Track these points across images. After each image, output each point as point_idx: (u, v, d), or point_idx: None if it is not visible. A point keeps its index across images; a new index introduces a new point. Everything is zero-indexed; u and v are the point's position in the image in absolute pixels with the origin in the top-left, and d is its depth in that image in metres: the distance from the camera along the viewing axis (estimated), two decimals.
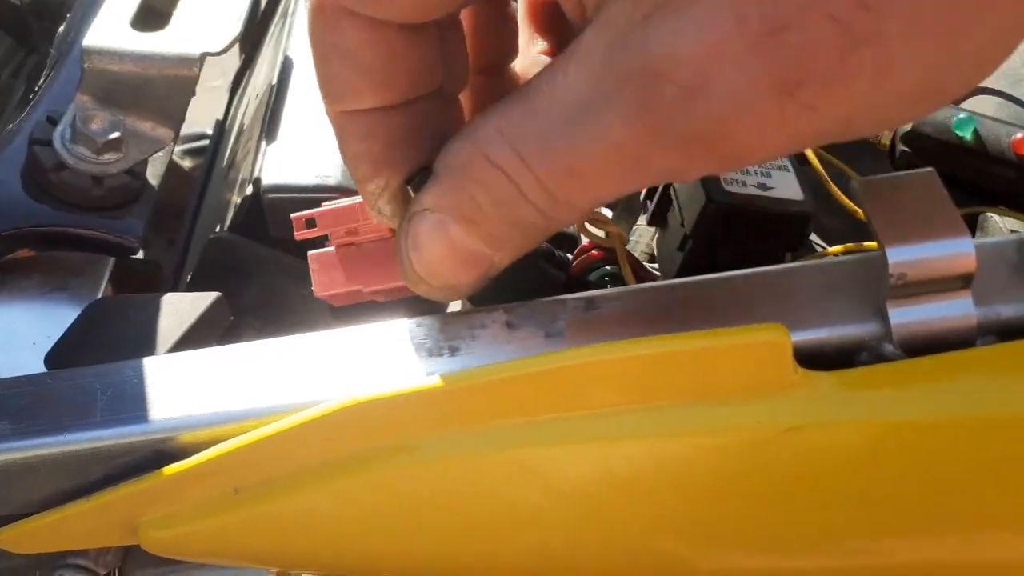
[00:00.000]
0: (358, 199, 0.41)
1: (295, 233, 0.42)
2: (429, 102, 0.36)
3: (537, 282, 0.44)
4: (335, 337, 0.41)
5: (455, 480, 0.39)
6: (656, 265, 0.52)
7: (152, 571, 0.47)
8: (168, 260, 0.68)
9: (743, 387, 0.35)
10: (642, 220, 0.56)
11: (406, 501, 0.40)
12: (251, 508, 0.40)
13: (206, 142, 0.78)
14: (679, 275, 0.48)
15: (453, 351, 0.39)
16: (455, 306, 0.52)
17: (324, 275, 0.42)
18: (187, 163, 0.80)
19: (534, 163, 0.33)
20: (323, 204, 0.43)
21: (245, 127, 0.63)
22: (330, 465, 0.39)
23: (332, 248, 0.42)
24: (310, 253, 0.41)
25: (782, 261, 0.46)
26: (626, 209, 0.58)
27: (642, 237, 0.56)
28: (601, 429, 0.37)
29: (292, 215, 0.42)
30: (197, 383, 0.41)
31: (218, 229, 0.55)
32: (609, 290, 0.40)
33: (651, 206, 0.51)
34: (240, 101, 0.72)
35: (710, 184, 0.45)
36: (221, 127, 0.75)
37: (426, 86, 0.35)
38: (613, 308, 0.39)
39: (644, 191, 0.51)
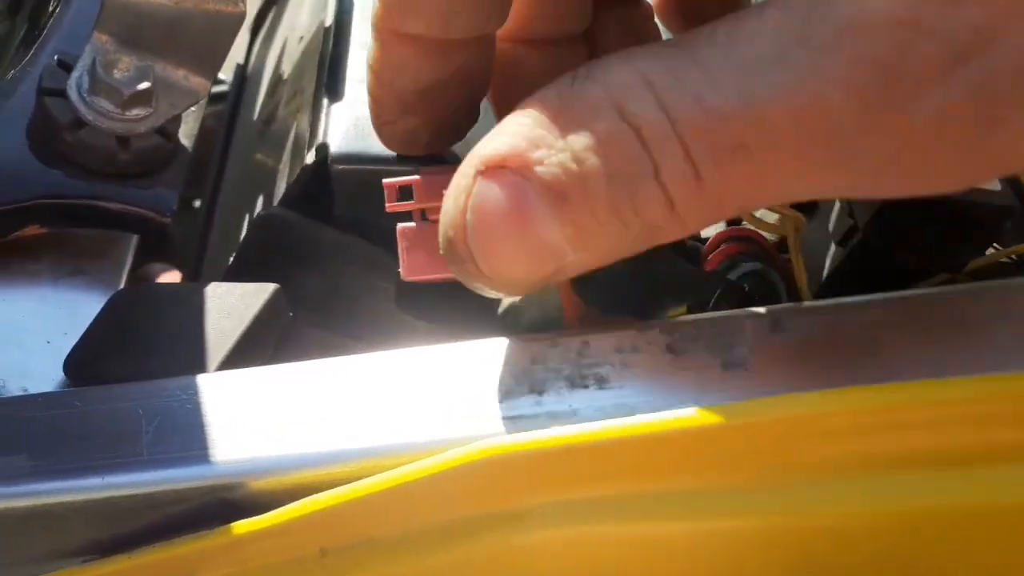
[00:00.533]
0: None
1: (386, 204, 0.33)
2: (482, 49, 0.33)
3: (661, 276, 0.35)
4: (440, 354, 0.33)
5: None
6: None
7: None
8: (185, 231, 0.59)
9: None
10: None
11: None
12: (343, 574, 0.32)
13: (224, 88, 0.68)
14: (834, 277, 0.40)
15: (600, 383, 0.31)
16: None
17: (416, 255, 0.33)
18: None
19: (687, 127, 0.24)
20: (421, 170, 0.34)
21: (285, 76, 0.53)
22: (449, 529, 0.31)
23: (427, 223, 0.33)
24: (400, 227, 0.33)
25: (964, 265, 0.38)
26: None
27: (765, 216, 0.47)
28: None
29: (385, 180, 0.33)
30: (271, 411, 0.32)
31: (260, 203, 0.46)
32: (798, 305, 0.32)
33: None
34: (269, 43, 0.62)
35: None
36: (242, 73, 0.65)
37: (491, 25, 0.32)
38: (805, 329, 0.31)
39: None
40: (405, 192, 0.34)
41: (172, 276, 0.59)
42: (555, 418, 0.30)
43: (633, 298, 0.34)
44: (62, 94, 0.40)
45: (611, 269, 0.33)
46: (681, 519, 0.30)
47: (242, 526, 0.31)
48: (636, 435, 0.29)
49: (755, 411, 0.28)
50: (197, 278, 0.53)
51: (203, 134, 0.62)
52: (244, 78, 0.64)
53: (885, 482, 0.28)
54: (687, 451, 0.29)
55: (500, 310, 0.50)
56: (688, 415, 0.28)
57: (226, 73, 0.69)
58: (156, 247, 0.53)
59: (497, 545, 0.30)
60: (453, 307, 0.45)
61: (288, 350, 0.42)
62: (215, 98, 0.71)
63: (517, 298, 0.51)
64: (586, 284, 0.34)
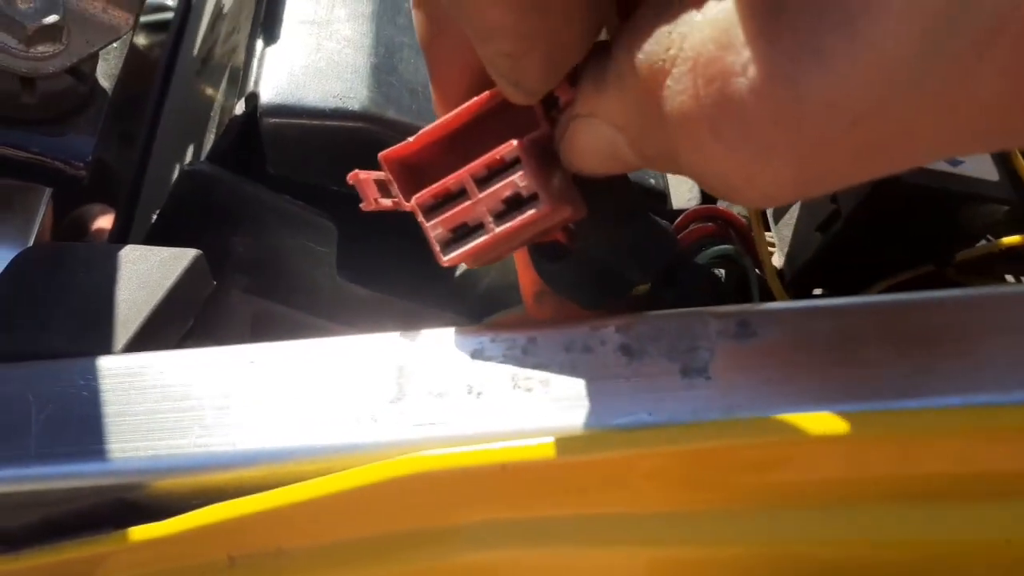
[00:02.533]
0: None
1: (366, 201, 0.27)
2: None
3: (638, 239, 0.31)
4: (378, 344, 0.29)
5: None
6: (770, 240, 0.40)
7: None
8: (120, 166, 0.54)
9: None
10: None
11: None
12: None
13: (169, 15, 0.62)
14: (814, 264, 0.36)
15: (544, 386, 0.28)
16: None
17: (550, 174, 0.26)
18: (140, 40, 0.65)
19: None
20: (384, 157, 0.28)
21: (225, 8, 0.48)
22: (371, 545, 0.28)
23: (546, 128, 0.26)
24: (518, 142, 0.25)
25: (952, 259, 0.35)
26: None
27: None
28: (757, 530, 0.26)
29: (353, 175, 0.27)
30: (179, 402, 0.29)
31: (190, 153, 0.42)
32: (770, 306, 0.29)
33: None
34: None
35: None
36: (187, 2, 0.59)
37: None
38: (777, 335, 0.28)
39: None
40: (385, 188, 0.28)
41: (109, 219, 0.55)
42: (491, 425, 0.27)
43: (597, 272, 0.31)
44: None
45: (583, 243, 0.29)
46: (619, 544, 0.27)
47: (141, 531, 0.28)
48: (576, 455, 0.26)
49: (703, 434, 0.25)
50: (129, 226, 0.49)
51: (140, 61, 0.57)
52: (189, 6, 0.59)
53: (819, 515, 0.25)
54: (626, 474, 0.26)
55: (457, 274, 0.46)
56: (630, 436, 0.25)
57: None
58: (89, 187, 0.49)
59: (422, 564, 0.27)
60: (398, 275, 0.42)
61: (215, 319, 0.39)
62: (159, 26, 0.66)
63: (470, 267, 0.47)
64: (548, 266, 0.30)
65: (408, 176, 0.28)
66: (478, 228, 0.26)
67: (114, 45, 0.40)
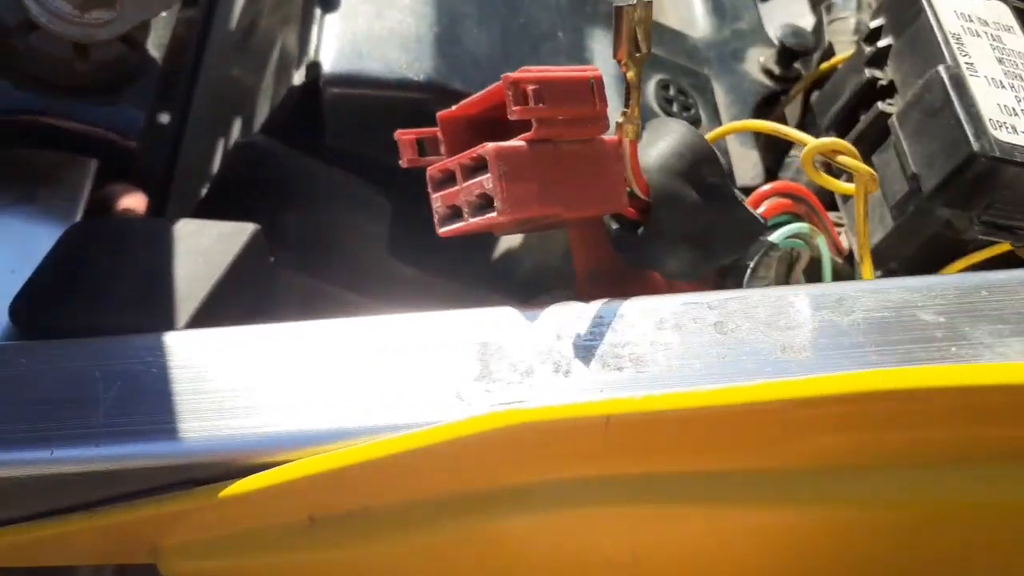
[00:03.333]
0: (591, 70, 0.27)
1: (403, 158, 0.28)
2: None
3: (722, 219, 0.31)
4: (461, 321, 0.28)
5: (622, 541, 0.27)
6: (835, 216, 0.39)
7: None
8: (150, 146, 0.53)
9: None
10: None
11: (544, 564, 0.28)
12: (333, 546, 0.28)
13: None
14: (887, 241, 0.36)
15: (637, 364, 0.27)
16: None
17: (516, 184, 0.26)
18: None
19: None
20: (441, 117, 0.29)
21: None
22: (449, 504, 0.27)
23: (522, 143, 0.27)
24: (492, 147, 0.26)
25: None
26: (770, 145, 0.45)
27: (801, 173, 0.43)
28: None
29: (398, 133, 0.28)
30: (251, 378, 0.28)
31: (237, 127, 0.41)
32: (866, 284, 0.28)
33: (841, 138, 0.38)
34: None
35: (975, 125, 0.32)
36: None
37: None
38: (875, 311, 0.27)
39: (831, 114, 0.38)
40: (423, 146, 0.29)
41: (135, 200, 0.53)
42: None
43: (684, 248, 0.30)
44: None
45: (668, 219, 0.29)
46: (698, 503, 0.26)
47: (225, 487, 0.27)
48: (661, 411, 0.25)
49: (790, 390, 0.24)
50: (163, 204, 0.48)
51: (173, 42, 0.56)
52: None
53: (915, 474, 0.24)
54: (714, 431, 0.25)
55: (495, 255, 0.45)
56: (744, 390, 0.24)
57: None
58: (120, 171, 0.48)
59: (522, 521, 0.26)
60: (444, 255, 0.41)
61: (272, 299, 0.38)
62: (188, 2, 0.65)
63: (516, 242, 0.46)
64: (634, 239, 0.30)
65: (455, 141, 0.28)
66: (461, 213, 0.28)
67: (164, 14, 0.39)
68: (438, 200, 0.28)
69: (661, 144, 0.32)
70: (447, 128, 0.29)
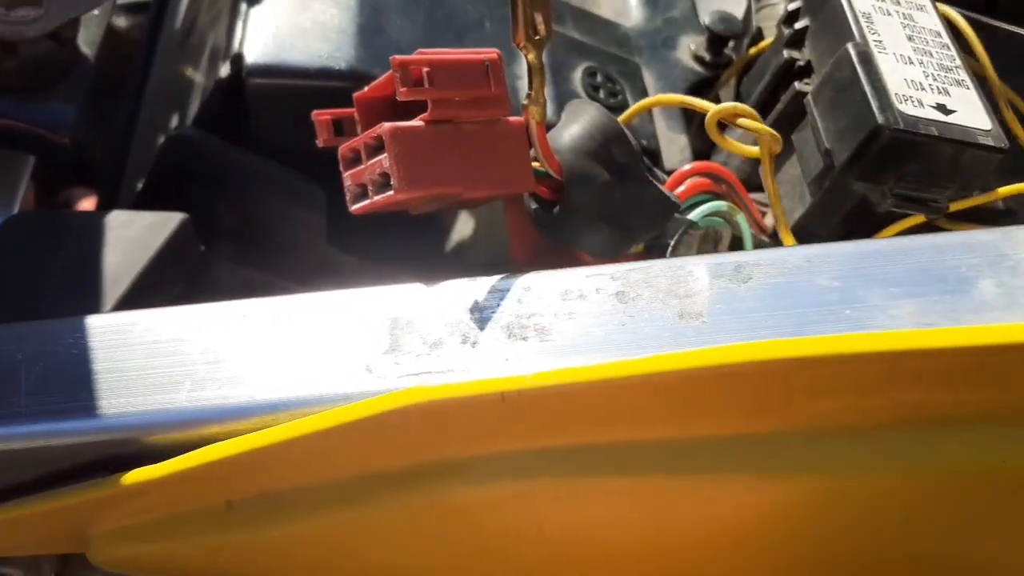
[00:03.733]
0: (489, 52, 0.28)
1: (319, 138, 0.29)
2: None
3: (633, 200, 0.32)
4: (371, 297, 0.29)
5: (528, 517, 0.28)
6: (758, 197, 0.40)
7: None
8: (102, 152, 0.54)
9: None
10: (737, 132, 0.44)
11: (455, 539, 0.29)
12: (251, 529, 0.29)
13: None
14: (807, 218, 0.36)
15: (541, 334, 0.27)
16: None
17: (412, 163, 0.27)
18: (123, 22, 0.64)
19: None
20: (357, 98, 0.30)
21: None
22: (363, 483, 0.28)
23: (420, 123, 0.28)
24: (389, 127, 0.27)
25: (942, 209, 0.35)
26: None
27: (732, 156, 0.43)
28: (752, 458, 0.26)
29: (315, 113, 0.29)
30: (169, 357, 0.28)
31: (175, 121, 0.41)
32: (764, 252, 0.29)
33: (763, 119, 0.39)
34: None
35: (880, 99, 0.33)
36: None
37: None
38: (772, 278, 0.28)
39: (754, 95, 0.39)
40: (340, 126, 0.30)
41: (91, 202, 0.54)
42: (487, 373, 0.27)
43: (600, 226, 0.31)
44: None
45: (580, 198, 0.30)
46: (597, 475, 0.27)
47: (139, 474, 0.27)
48: (580, 382, 0.26)
49: (711, 357, 0.25)
50: (114, 203, 0.48)
51: (119, 43, 0.56)
52: None
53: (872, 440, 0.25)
54: (644, 400, 0.26)
55: (448, 248, 0.46)
56: (642, 361, 0.25)
57: None
58: (69, 167, 0.49)
59: (426, 500, 0.27)
60: (387, 245, 0.41)
61: (204, 287, 0.39)
62: (139, 7, 0.65)
63: (464, 234, 0.47)
64: (550, 217, 0.31)
65: (370, 122, 0.29)
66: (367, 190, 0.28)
67: (95, 12, 0.40)
68: (348, 179, 0.29)
69: (574, 126, 0.33)
70: (362, 108, 0.30)
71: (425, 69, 0.27)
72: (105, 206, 0.48)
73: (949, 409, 0.26)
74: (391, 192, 0.27)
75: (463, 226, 0.46)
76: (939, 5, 0.38)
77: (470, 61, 0.28)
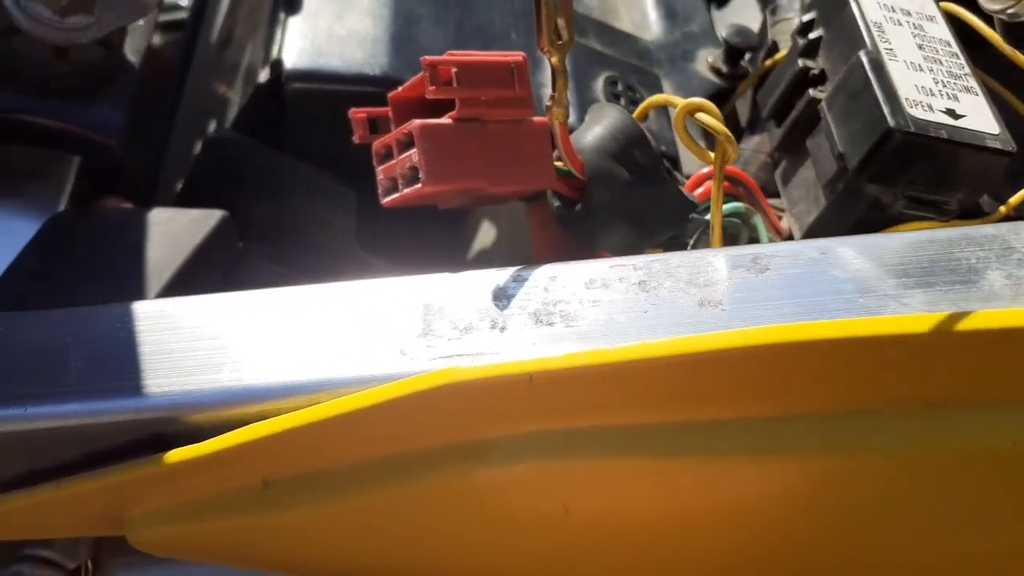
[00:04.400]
0: (515, 55, 0.30)
1: (356, 135, 0.31)
2: None
3: (652, 198, 0.33)
4: (405, 286, 0.31)
5: (553, 495, 0.29)
6: (775, 203, 0.41)
7: (136, 566, 0.37)
8: (140, 159, 0.56)
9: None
10: (752, 142, 0.46)
11: (484, 517, 0.30)
12: (287, 508, 0.30)
13: (183, 15, 0.64)
14: (821, 220, 0.38)
15: (567, 320, 0.29)
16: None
17: (440, 158, 0.29)
18: (157, 40, 0.66)
19: None
20: (392, 97, 0.31)
21: None
22: (395, 462, 0.29)
23: (448, 120, 0.30)
24: (419, 123, 0.29)
25: (952, 212, 0.37)
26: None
27: (748, 164, 0.45)
28: (769, 439, 0.27)
29: (352, 111, 0.31)
30: (209, 340, 0.30)
31: (213, 126, 0.43)
32: (781, 244, 0.30)
33: (778, 127, 0.40)
34: None
35: (892, 103, 0.34)
36: None
37: None
38: (788, 268, 0.29)
39: (770, 104, 0.40)
40: (375, 124, 0.32)
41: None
42: (517, 356, 0.28)
43: (620, 225, 0.33)
44: None
45: (601, 197, 0.32)
46: (622, 456, 0.28)
47: (178, 454, 0.28)
48: (609, 364, 0.27)
49: (735, 340, 0.26)
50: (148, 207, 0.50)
51: (155, 58, 0.59)
52: (204, 3, 0.61)
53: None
54: (666, 382, 0.27)
55: (472, 252, 0.48)
56: (665, 343, 0.26)
57: None
58: (108, 175, 0.50)
59: (456, 479, 0.28)
60: (415, 248, 0.43)
61: (239, 283, 0.40)
62: (174, 26, 0.68)
63: (488, 238, 0.49)
64: (573, 215, 0.32)
65: (403, 120, 0.30)
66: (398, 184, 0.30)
67: (140, 23, 0.42)
68: (380, 173, 0.30)
69: (597, 128, 0.34)
70: (396, 108, 0.32)
71: (453, 69, 0.28)
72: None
73: (963, 392, 0.27)
74: (419, 185, 0.29)
75: (487, 231, 0.47)
76: (949, 5, 0.39)
77: (497, 63, 0.29)
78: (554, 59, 0.30)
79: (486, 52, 0.30)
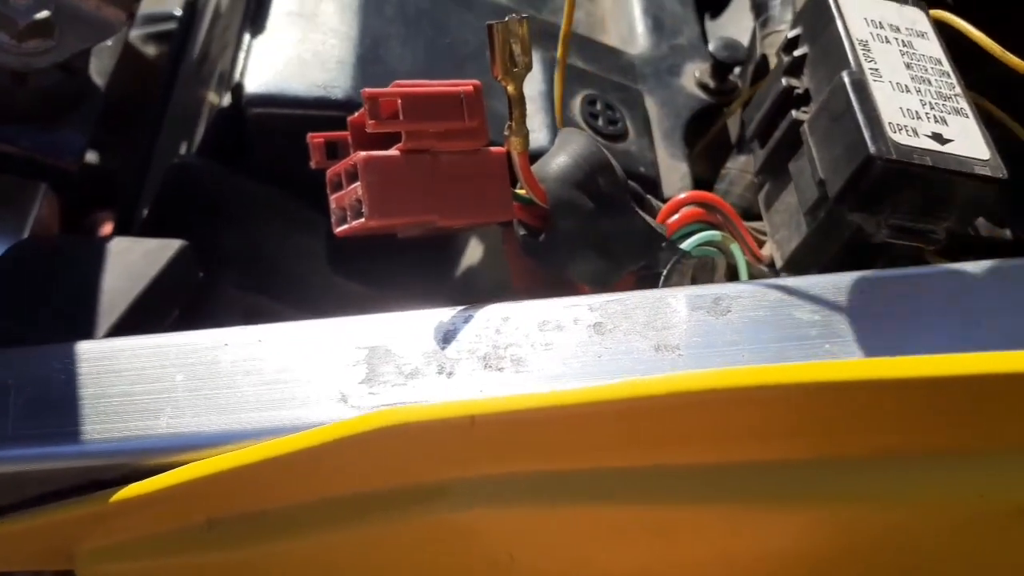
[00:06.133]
0: (467, 84, 0.29)
1: (312, 160, 0.30)
2: None
3: (618, 230, 0.32)
4: (352, 326, 0.29)
5: (497, 542, 0.28)
6: (759, 226, 0.40)
7: None
8: (123, 172, 0.55)
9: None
10: (739, 162, 0.44)
11: (425, 562, 0.29)
12: (231, 548, 0.29)
13: (174, 25, 0.63)
14: (803, 248, 0.36)
15: (517, 364, 0.27)
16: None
17: (386, 192, 0.28)
18: (151, 50, 0.66)
19: None
20: (351, 121, 0.30)
21: (223, 8, 0.49)
22: (336, 505, 0.28)
23: (395, 152, 0.28)
24: (363, 155, 0.28)
25: (939, 240, 0.35)
26: (711, 147, 0.45)
27: (734, 185, 0.43)
28: (739, 485, 0.26)
29: (309, 136, 0.30)
30: (149, 384, 0.29)
31: (184, 148, 0.42)
32: (745, 285, 0.28)
33: (762, 147, 0.38)
34: None
35: (873, 128, 0.32)
36: (192, 8, 0.60)
37: None
38: (751, 311, 0.27)
39: (754, 123, 0.39)
40: (333, 148, 0.31)
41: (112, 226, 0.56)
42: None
43: (587, 255, 0.31)
44: None
45: (565, 226, 0.30)
46: (566, 501, 0.26)
47: (121, 492, 0.28)
48: (553, 407, 0.25)
49: (677, 383, 0.24)
50: (129, 225, 0.49)
51: (145, 68, 0.58)
52: (194, 13, 0.60)
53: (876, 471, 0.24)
54: (610, 427, 0.26)
55: (453, 274, 0.46)
56: (608, 388, 0.25)
57: (178, 7, 0.65)
58: (91, 194, 0.50)
59: (397, 523, 0.27)
60: (391, 270, 0.42)
61: (207, 313, 0.39)
62: (167, 36, 0.67)
63: (470, 261, 0.47)
64: (537, 244, 0.31)
65: (362, 146, 0.29)
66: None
67: (108, 43, 0.41)
68: (333, 202, 0.29)
69: (561, 156, 0.33)
70: (355, 132, 0.30)
71: (399, 101, 0.27)
72: (122, 229, 0.50)
73: (930, 441, 0.25)
74: (362, 219, 0.28)
75: (470, 252, 0.46)
76: (942, 13, 0.37)
77: (445, 94, 0.28)
78: (510, 87, 0.29)
79: (437, 82, 0.29)
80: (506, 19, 0.28)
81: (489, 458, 0.26)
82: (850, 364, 0.25)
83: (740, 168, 0.43)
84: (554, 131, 0.39)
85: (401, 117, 0.27)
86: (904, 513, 0.25)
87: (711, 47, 0.44)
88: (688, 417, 0.25)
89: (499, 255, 0.45)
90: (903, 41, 0.36)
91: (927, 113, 0.34)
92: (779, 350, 0.27)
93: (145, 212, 0.40)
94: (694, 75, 0.45)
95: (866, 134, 0.32)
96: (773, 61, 0.46)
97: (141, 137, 0.56)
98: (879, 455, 0.25)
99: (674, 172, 0.41)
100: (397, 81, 0.28)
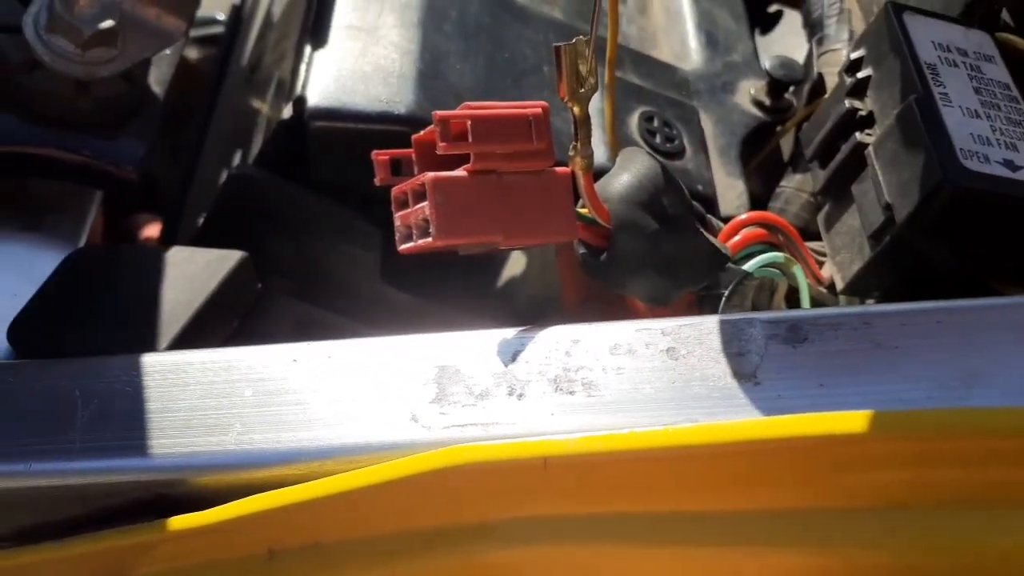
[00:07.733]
0: (535, 106, 0.28)
1: (377, 176, 0.30)
2: None
3: (681, 250, 0.32)
4: (420, 344, 0.29)
5: None
6: (815, 246, 0.39)
7: None
8: (168, 177, 0.55)
9: None
10: (794, 180, 0.44)
11: None
12: None
13: (219, 29, 0.64)
14: (865, 272, 0.35)
15: (588, 388, 0.27)
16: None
17: (451, 212, 0.27)
18: (192, 53, 0.66)
19: None
20: (416, 140, 0.30)
21: (275, 18, 0.49)
22: (402, 539, 0.27)
23: (463, 173, 0.28)
24: (432, 176, 0.28)
25: (1010, 270, 0.34)
26: (764, 165, 0.45)
27: (790, 203, 0.43)
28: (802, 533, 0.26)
29: (374, 153, 0.29)
30: (221, 399, 0.29)
31: (238, 159, 0.42)
32: (821, 311, 0.28)
33: (822, 168, 0.38)
34: None
35: (943, 154, 0.32)
36: (238, 13, 0.60)
37: None
38: (831, 341, 0.27)
39: (814, 144, 0.38)
40: (398, 166, 0.31)
41: (156, 228, 0.56)
42: (532, 426, 0.27)
43: (648, 274, 0.31)
44: (16, 30, 0.36)
45: (628, 246, 0.30)
46: (675, 544, 0.26)
47: (181, 521, 0.28)
48: (625, 450, 0.25)
49: (768, 428, 0.24)
50: (176, 229, 0.49)
51: (189, 75, 0.58)
52: (239, 19, 0.60)
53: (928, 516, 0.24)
54: (685, 471, 0.25)
55: (500, 286, 0.46)
56: (687, 431, 0.25)
57: (221, 12, 0.65)
58: (135, 199, 0.50)
59: (459, 561, 0.27)
60: (442, 281, 0.42)
61: (260, 322, 0.39)
62: (210, 40, 0.67)
63: (517, 272, 0.47)
64: (597, 263, 0.31)
65: (427, 163, 0.29)
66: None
67: (166, 52, 0.41)
68: (398, 219, 0.29)
69: (624, 175, 0.32)
70: (420, 150, 0.30)
71: (468, 122, 0.27)
72: (168, 235, 0.50)
73: (994, 490, 0.25)
74: (429, 239, 0.27)
75: (516, 265, 0.46)
76: (1009, 36, 0.37)
77: (514, 116, 0.28)
78: (576, 108, 0.29)
79: (506, 104, 0.28)
80: (573, 40, 0.28)
81: (559, 498, 0.26)
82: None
83: (796, 187, 0.43)
84: (610, 148, 0.39)
85: (470, 139, 0.27)
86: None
87: (767, 65, 0.44)
88: (772, 462, 0.25)
89: (544, 267, 0.45)
90: (971, 65, 0.36)
91: (998, 139, 0.33)
92: (855, 387, 0.26)
93: (201, 220, 0.40)
94: (749, 92, 0.45)
95: (937, 160, 0.32)
96: (829, 80, 0.45)
97: (186, 142, 0.57)
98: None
99: (730, 190, 0.41)
100: (466, 103, 0.28)
